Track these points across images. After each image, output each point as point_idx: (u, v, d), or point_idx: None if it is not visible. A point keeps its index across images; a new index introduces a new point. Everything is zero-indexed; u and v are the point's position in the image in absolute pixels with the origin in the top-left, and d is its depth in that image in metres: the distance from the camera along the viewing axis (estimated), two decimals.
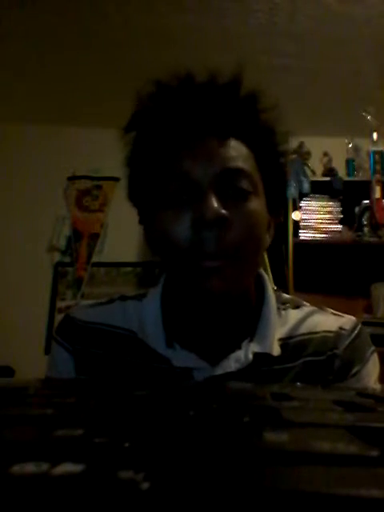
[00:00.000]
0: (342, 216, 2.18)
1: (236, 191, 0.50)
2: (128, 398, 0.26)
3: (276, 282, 2.09)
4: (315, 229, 2.15)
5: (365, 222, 2.15)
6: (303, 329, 0.58)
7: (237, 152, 0.51)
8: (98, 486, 0.11)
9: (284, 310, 0.59)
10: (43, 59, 2.11)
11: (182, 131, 0.52)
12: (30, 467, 0.12)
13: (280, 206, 0.60)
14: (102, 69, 2.15)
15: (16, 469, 0.12)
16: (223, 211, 0.47)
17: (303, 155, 2.23)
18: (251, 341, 0.55)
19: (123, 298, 0.63)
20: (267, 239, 0.56)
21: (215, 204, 0.47)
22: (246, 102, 0.53)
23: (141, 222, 0.59)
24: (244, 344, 0.55)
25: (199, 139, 0.51)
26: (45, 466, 0.12)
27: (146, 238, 0.58)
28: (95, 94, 2.30)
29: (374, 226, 2.10)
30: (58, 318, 2.15)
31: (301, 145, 2.26)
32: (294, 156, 2.17)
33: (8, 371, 2.05)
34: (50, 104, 2.40)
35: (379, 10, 1.82)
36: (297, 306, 0.61)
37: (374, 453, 0.14)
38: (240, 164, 0.51)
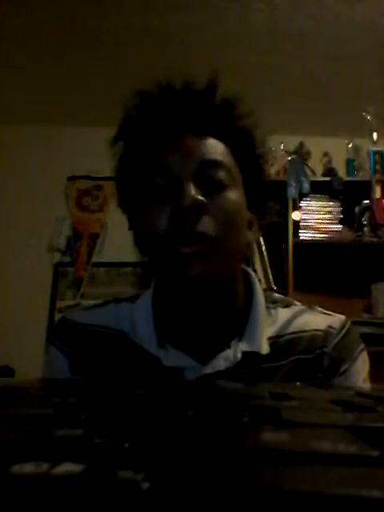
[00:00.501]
0: (341, 216, 2.18)
1: (214, 182, 0.52)
2: (128, 397, 0.26)
3: (276, 282, 2.09)
4: (315, 229, 2.15)
5: (365, 222, 2.15)
6: (292, 327, 0.58)
7: (214, 148, 0.54)
8: (98, 486, 0.11)
9: (274, 309, 0.60)
10: (43, 59, 2.11)
11: (162, 132, 0.54)
12: (29, 467, 0.12)
13: (261, 204, 0.62)
14: (102, 69, 2.15)
15: (16, 469, 0.12)
16: (200, 198, 0.50)
17: (303, 155, 2.23)
18: (240, 340, 0.55)
19: (117, 300, 0.64)
20: (249, 235, 0.58)
21: (193, 191, 0.50)
22: (221, 105, 0.56)
23: (130, 227, 0.60)
24: (233, 343, 0.55)
25: (179, 137, 0.54)
26: (45, 466, 0.12)
27: (135, 241, 0.59)
28: (95, 94, 2.30)
29: (374, 226, 2.10)
30: (58, 317, 2.15)
31: (301, 145, 2.26)
32: (294, 156, 2.17)
33: (8, 371, 2.05)
34: (50, 104, 2.40)
35: (379, 10, 1.82)
36: (287, 306, 0.61)
37: (374, 453, 0.14)
38: (217, 157, 0.53)
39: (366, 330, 1.79)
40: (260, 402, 0.25)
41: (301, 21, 1.88)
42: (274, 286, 2.08)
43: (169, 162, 0.52)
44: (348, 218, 2.18)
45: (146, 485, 0.11)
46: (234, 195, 0.53)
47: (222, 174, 0.52)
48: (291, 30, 1.93)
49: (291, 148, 2.23)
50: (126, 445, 0.14)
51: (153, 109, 0.55)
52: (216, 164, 0.53)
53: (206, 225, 0.50)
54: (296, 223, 2.12)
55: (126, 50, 2.03)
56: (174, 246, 0.50)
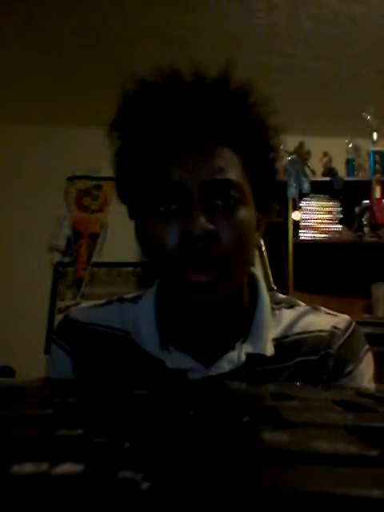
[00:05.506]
0: (341, 216, 2.18)
1: (224, 202, 0.50)
2: (128, 397, 0.26)
3: (276, 282, 2.09)
4: (315, 229, 2.15)
5: (365, 222, 2.15)
6: (297, 328, 0.58)
7: (225, 162, 0.51)
8: (98, 486, 0.11)
9: (278, 309, 0.59)
10: (43, 59, 2.11)
11: (169, 138, 0.51)
12: (29, 467, 0.12)
13: (270, 204, 0.60)
14: (102, 69, 2.15)
15: (16, 469, 0.12)
16: (210, 226, 0.47)
17: (303, 155, 2.23)
18: (245, 341, 0.55)
19: (121, 299, 0.63)
20: (257, 240, 0.57)
21: (203, 219, 0.47)
22: (233, 108, 0.52)
23: (131, 217, 0.59)
24: (237, 345, 0.55)
25: (187, 147, 0.50)
26: (45, 466, 0.12)
27: (137, 237, 0.58)
28: (95, 94, 2.30)
29: (374, 226, 2.11)
30: (58, 317, 2.15)
31: (301, 145, 2.26)
32: (293, 156, 2.17)
33: (8, 371, 2.05)
34: (49, 104, 2.40)
35: (379, 10, 1.82)
36: (291, 306, 0.61)
37: (374, 453, 0.14)
38: (228, 175, 0.50)
39: (365, 330, 1.78)
40: (260, 402, 0.25)
41: (301, 21, 1.88)
42: (273, 285, 2.09)
43: (176, 178, 0.49)
44: (348, 218, 2.18)
45: (145, 485, 0.11)
46: (244, 213, 0.51)
47: (232, 193, 0.50)
48: (291, 29, 1.93)
49: (291, 148, 2.23)
50: (126, 445, 0.14)
51: (159, 109, 0.51)
52: (227, 183, 0.50)
53: (216, 254, 0.48)
54: (296, 223, 2.12)
55: (126, 49, 2.03)
56: (183, 272, 0.48)
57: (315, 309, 0.61)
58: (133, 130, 0.53)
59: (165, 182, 0.50)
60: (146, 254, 0.54)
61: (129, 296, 0.64)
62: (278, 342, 0.56)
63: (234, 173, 0.51)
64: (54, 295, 2.39)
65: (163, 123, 0.51)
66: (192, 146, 0.50)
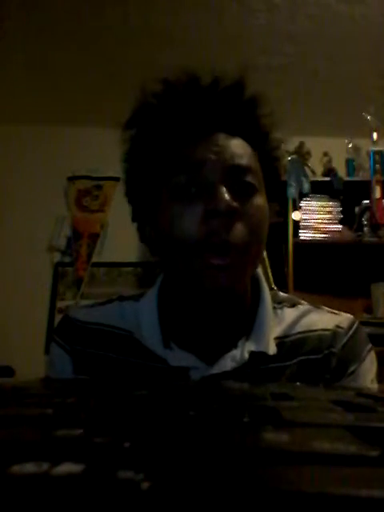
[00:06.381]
0: (342, 216, 2.18)
1: (244, 187, 0.51)
2: (128, 397, 0.26)
3: (276, 282, 2.09)
4: (315, 229, 2.15)
5: (365, 222, 2.15)
6: (299, 327, 0.58)
7: (243, 150, 0.53)
8: (98, 486, 0.11)
9: (280, 308, 0.60)
10: (43, 59, 2.11)
11: (190, 126, 0.53)
12: (30, 467, 0.12)
13: (271, 207, 0.61)
14: (102, 69, 2.15)
15: (16, 469, 0.12)
16: (234, 203, 0.49)
17: (303, 155, 2.23)
18: (247, 340, 0.55)
19: (121, 298, 0.63)
20: None
21: (227, 196, 0.48)
22: (249, 105, 0.55)
23: (136, 219, 0.59)
24: (240, 343, 0.55)
25: (208, 134, 0.52)
26: (45, 466, 0.12)
27: (146, 236, 0.58)
28: (95, 94, 2.30)
29: (374, 226, 2.10)
30: (58, 317, 2.15)
31: (301, 145, 2.26)
32: (294, 156, 2.17)
33: (8, 371, 2.05)
34: (50, 104, 2.40)
35: (379, 10, 1.82)
36: (293, 305, 0.61)
37: (374, 453, 0.14)
38: (248, 161, 0.52)
39: (366, 330, 1.79)
40: (260, 402, 0.25)
41: (301, 21, 1.88)
42: (274, 286, 2.08)
43: (199, 160, 0.50)
44: (348, 218, 2.18)
45: (145, 485, 0.11)
46: (262, 201, 0.52)
47: (251, 179, 0.51)
48: (291, 30, 1.93)
49: (291, 148, 2.23)
50: (126, 445, 0.14)
51: (180, 101, 0.53)
52: (248, 169, 0.52)
53: (238, 233, 0.49)
54: (296, 223, 2.12)
55: (126, 50, 2.03)
56: (204, 254, 0.48)
57: (317, 308, 0.61)
58: (152, 124, 0.55)
59: (186, 165, 0.51)
60: (160, 245, 0.54)
61: (129, 294, 0.64)
62: (280, 341, 0.56)
63: (251, 161, 0.53)
64: (54, 295, 2.39)
65: (184, 115, 0.53)
66: (213, 134, 0.53)
